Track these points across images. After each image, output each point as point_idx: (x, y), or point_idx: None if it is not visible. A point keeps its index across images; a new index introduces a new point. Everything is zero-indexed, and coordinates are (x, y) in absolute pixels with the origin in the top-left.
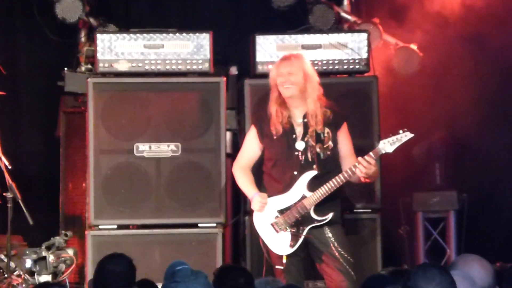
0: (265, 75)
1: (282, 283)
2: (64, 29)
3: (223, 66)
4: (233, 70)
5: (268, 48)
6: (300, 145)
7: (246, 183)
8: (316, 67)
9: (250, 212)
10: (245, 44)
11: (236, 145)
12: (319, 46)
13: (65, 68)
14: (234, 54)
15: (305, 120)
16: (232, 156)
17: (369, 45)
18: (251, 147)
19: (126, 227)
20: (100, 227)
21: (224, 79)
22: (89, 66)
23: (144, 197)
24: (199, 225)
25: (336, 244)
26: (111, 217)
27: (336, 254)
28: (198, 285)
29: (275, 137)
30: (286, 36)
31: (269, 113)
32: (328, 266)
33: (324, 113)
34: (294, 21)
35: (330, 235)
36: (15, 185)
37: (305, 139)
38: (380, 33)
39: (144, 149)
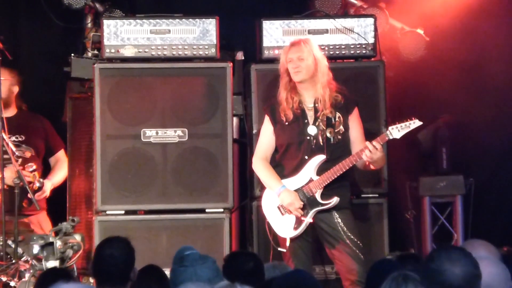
0: (271, 60)
1: (290, 267)
2: (70, 14)
3: (229, 51)
4: (239, 55)
5: (274, 33)
6: (312, 129)
7: (268, 177)
8: (322, 52)
9: (257, 197)
10: (251, 29)
11: (243, 131)
12: (325, 31)
13: (71, 54)
14: (240, 39)
15: (316, 104)
16: (238, 141)
17: (375, 29)
18: (268, 135)
19: (133, 212)
20: (107, 212)
21: (231, 64)
22: (95, 51)
23: (151, 182)
24: (206, 210)
25: (345, 229)
26: (118, 202)
27: (346, 238)
28: (207, 269)
29: (286, 123)
30: (292, 21)
31: (279, 99)
32: (338, 250)
33: (335, 98)
34: (299, 6)
35: (339, 220)
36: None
37: (316, 123)
38: (387, 17)
39: (151, 134)
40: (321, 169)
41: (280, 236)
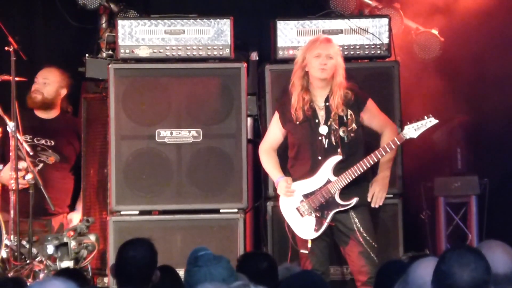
0: (286, 60)
1: (299, 268)
2: (84, 15)
3: (243, 51)
4: (254, 56)
5: (289, 34)
6: (323, 129)
7: (271, 166)
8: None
9: (271, 198)
10: (265, 29)
11: (257, 131)
12: (340, 32)
13: (86, 54)
14: (254, 39)
15: (327, 103)
16: (253, 141)
17: (390, 30)
18: (274, 131)
19: (148, 212)
20: (121, 213)
21: (245, 64)
22: (110, 52)
23: (166, 183)
24: (221, 210)
25: (361, 229)
26: (132, 202)
27: (361, 239)
28: (221, 269)
29: (297, 123)
30: (307, 22)
31: (290, 98)
32: (351, 250)
33: (345, 94)
34: (314, 6)
35: (356, 220)
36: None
37: (328, 123)
38: (401, 18)
39: (166, 135)
40: (337, 169)
41: (300, 237)
